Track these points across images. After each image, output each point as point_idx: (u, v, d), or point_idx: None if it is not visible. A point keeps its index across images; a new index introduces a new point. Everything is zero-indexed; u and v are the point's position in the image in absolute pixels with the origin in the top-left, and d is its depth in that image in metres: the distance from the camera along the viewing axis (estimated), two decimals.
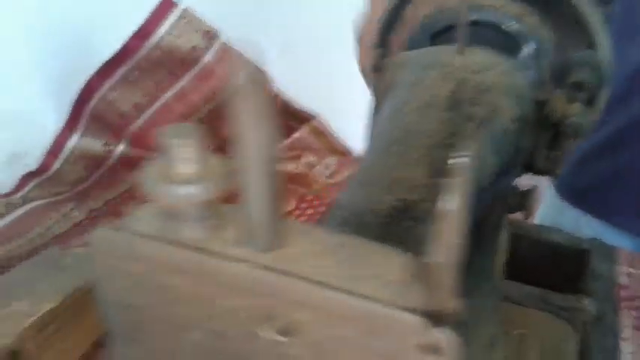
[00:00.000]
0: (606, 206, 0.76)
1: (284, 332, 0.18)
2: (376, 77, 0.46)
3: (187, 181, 0.18)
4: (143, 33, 0.82)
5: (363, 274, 0.18)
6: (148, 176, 0.19)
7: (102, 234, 0.20)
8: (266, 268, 0.18)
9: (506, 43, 0.43)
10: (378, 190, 0.30)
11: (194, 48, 0.85)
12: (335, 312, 0.18)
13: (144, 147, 0.84)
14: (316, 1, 0.93)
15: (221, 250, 0.19)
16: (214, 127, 0.84)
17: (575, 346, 0.49)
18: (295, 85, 0.87)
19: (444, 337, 0.16)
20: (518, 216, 0.47)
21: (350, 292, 0.17)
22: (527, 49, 0.43)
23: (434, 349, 0.17)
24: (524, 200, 0.46)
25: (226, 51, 0.86)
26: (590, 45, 0.42)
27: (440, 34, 0.44)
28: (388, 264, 0.19)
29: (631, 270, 0.65)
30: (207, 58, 0.87)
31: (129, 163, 0.82)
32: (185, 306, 0.20)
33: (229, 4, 0.86)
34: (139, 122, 0.88)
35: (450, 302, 0.17)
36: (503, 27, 0.43)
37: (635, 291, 0.63)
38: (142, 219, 0.20)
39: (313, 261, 0.19)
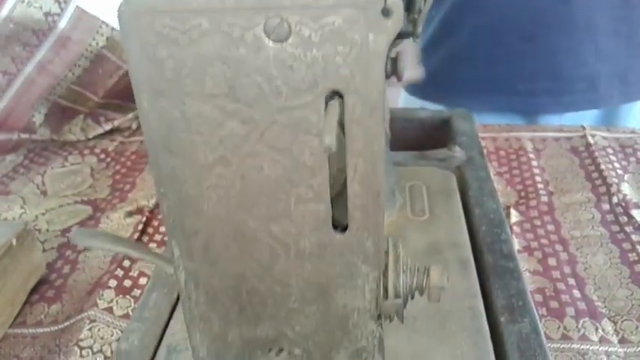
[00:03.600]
0: (445, 90, 0.87)
1: None
2: None
3: None
4: None
5: None
6: None
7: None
8: None
9: None
10: None
11: (48, 14, 0.84)
12: None
13: (7, 130, 0.82)
14: None
15: None
16: (86, 93, 0.85)
17: (455, 182, 0.59)
18: None
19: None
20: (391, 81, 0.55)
21: None
22: None
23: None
24: (394, 66, 0.54)
25: (81, 16, 0.86)
26: None
27: None
28: None
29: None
30: (62, 24, 0.86)
31: None
32: None
33: None
34: (2, 104, 0.85)
35: None
36: None
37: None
38: None
39: None
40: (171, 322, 0.46)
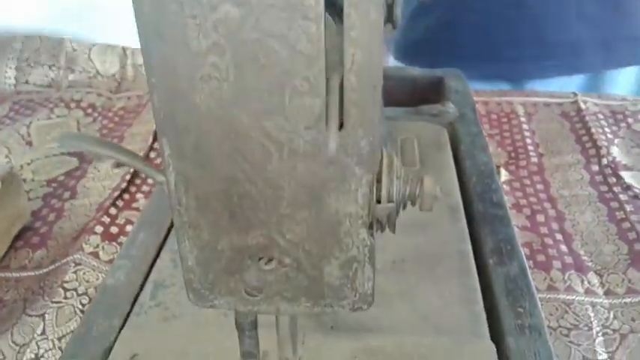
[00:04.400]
0: (432, 57, 0.87)
1: None
2: None
3: None
4: None
5: None
6: None
7: None
8: None
9: None
10: None
11: None
12: None
13: None
14: None
15: None
16: None
17: (447, 136, 0.59)
18: None
19: None
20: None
21: None
22: None
23: None
24: (390, 13, 0.53)
25: None
26: None
27: None
28: None
29: None
30: None
31: None
32: None
33: None
34: None
35: None
36: None
37: None
38: None
39: None
40: (158, 260, 0.45)
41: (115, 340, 0.38)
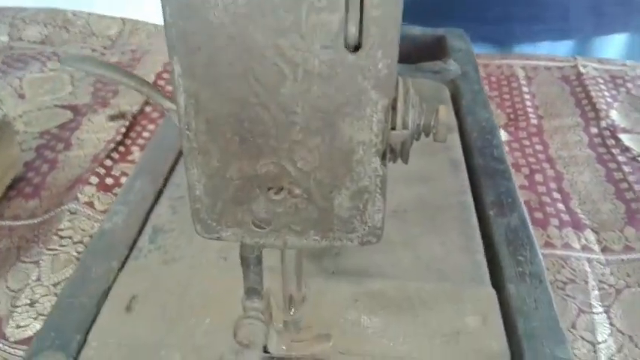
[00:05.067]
0: (415, 19, 0.85)
1: None
2: None
3: None
4: None
5: None
6: None
7: None
8: None
9: None
10: None
11: None
12: None
13: None
14: None
15: None
16: None
17: (448, 93, 0.58)
18: None
19: None
20: None
21: None
22: None
23: None
24: None
25: None
26: None
27: None
28: None
29: None
30: None
31: None
32: None
33: None
34: None
35: None
36: None
37: None
38: None
39: None
40: (156, 206, 0.45)
41: (113, 282, 0.38)
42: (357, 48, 0.22)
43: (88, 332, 0.34)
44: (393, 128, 0.24)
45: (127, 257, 0.40)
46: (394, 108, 0.24)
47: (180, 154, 0.50)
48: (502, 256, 0.39)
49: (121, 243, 0.41)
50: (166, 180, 0.47)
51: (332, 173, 0.25)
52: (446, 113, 0.25)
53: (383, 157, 0.25)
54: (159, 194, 0.46)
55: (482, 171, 0.47)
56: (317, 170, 0.25)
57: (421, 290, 0.37)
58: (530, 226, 0.42)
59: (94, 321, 0.35)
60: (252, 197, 0.26)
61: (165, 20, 0.22)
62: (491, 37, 0.87)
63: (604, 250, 0.51)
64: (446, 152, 0.49)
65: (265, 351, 0.31)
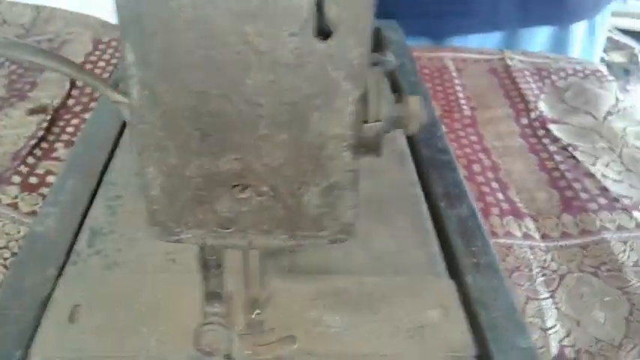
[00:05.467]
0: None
1: None
2: None
3: None
4: None
5: None
6: None
7: None
8: None
9: None
10: None
11: None
12: None
13: None
14: None
15: None
16: None
17: (388, 81, 0.58)
18: None
19: None
20: None
21: None
22: None
23: None
24: None
25: None
26: None
27: None
28: None
29: None
30: None
31: None
32: None
33: None
34: None
35: None
36: None
37: None
38: None
39: None
40: (92, 208, 0.41)
41: (52, 291, 0.35)
42: (327, 36, 0.21)
43: (28, 347, 0.31)
44: (365, 121, 0.23)
45: (64, 263, 0.37)
46: (365, 99, 0.23)
47: (112, 150, 0.47)
48: (456, 248, 0.39)
49: (56, 247, 0.37)
50: (100, 179, 0.44)
51: (300, 169, 0.24)
52: (417, 104, 0.24)
53: (354, 151, 0.23)
54: (93, 194, 0.43)
55: (428, 162, 0.47)
56: (284, 166, 0.24)
57: (380, 285, 0.36)
58: (480, 217, 0.43)
59: (33, 334, 0.31)
60: (214, 196, 0.24)
61: (116, 4, 0.20)
62: (427, 31, 0.88)
63: (543, 237, 0.52)
64: (391, 145, 0.49)
65: (228, 357, 0.29)
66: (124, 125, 0.49)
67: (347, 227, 0.26)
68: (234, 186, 0.24)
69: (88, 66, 0.70)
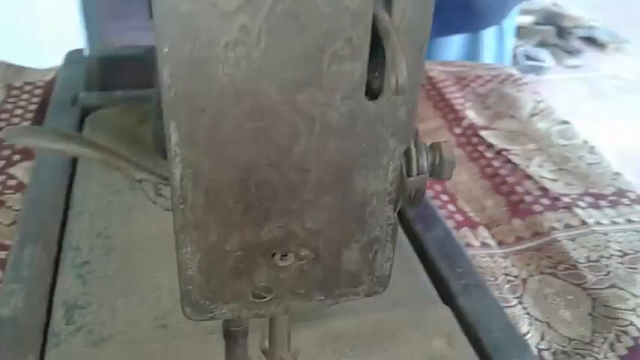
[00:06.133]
0: None
1: None
2: None
3: None
4: None
5: None
6: None
7: None
8: None
9: None
10: None
11: None
12: None
13: None
14: None
15: None
16: None
17: None
18: None
19: None
20: None
21: None
22: None
23: None
24: None
25: None
26: None
27: None
28: None
29: None
30: None
31: None
32: None
33: None
34: None
35: None
36: None
37: None
38: None
39: None
40: (59, 279, 0.38)
41: None
42: (375, 96, 0.20)
43: None
44: (409, 175, 0.23)
45: (42, 347, 0.33)
46: (407, 154, 0.23)
47: (66, 211, 0.44)
48: (443, 272, 0.40)
49: (30, 330, 0.34)
50: (59, 244, 0.41)
51: (343, 229, 0.23)
52: (449, 150, 0.24)
53: (396, 202, 0.23)
54: (56, 262, 0.39)
55: None
56: (327, 229, 0.23)
57: (381, 321, 0.36)
58: (454, 235, 0.44)
59: None
60: (253, 267, 0.23)
61: (162, 83, 0.18)
62: None
63: (500, 243, 0.55)
64: None
65: None
66: (70, 182, 0.46)
67: (384, 280, 0.25)
68: (274, 254, 0.23)
69: (4, 115, 0.64)
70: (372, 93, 0.20)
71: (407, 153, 0.23)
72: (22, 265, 0.38)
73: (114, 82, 0.63)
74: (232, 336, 0.26)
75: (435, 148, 0.24)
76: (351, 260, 0.24)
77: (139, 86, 0.61)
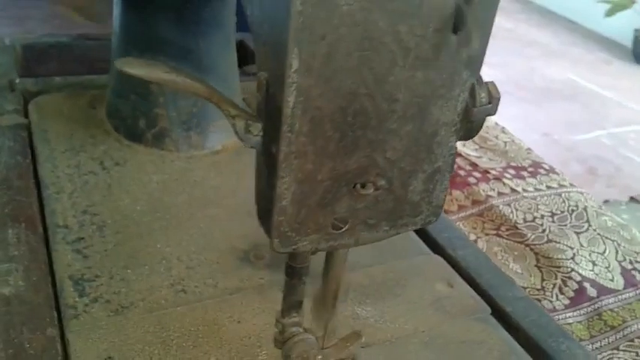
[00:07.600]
0: None
1: None
2: None
3: None
4: None
5: None
6: None
7: None
8: None
9: None
10: None
11: None
12: None
13: None
14: None
15: None
16: None
17: None
18: None
19: None
20: None
21: None
22: None
23: None
24: None
25: None
26: None
27: None
28: None
29: None
30: None
31: None
32: None
33: None
34: None
35: None
36: None
37: None
38: None
39: None
40: (55, 255, 0.36)
41: (64, 351, 0.30)
42: (457, 32, 0.23)
43: None
44: (474, 106, 0.25)
45: (59, 320, 0.32)
46: (473, 87, 0.25)
47: (38, 190, 0.41)
48: (427, 228, 0.43)
49: (40, 305, 0.32)
50: (44, 223, 0.39)
51: (414, 159, 0.25)
52: (496, 88, 0.27)
53: (457, 135, 0.26)
54: (46, 240, 0.37)
55: None
56: (402, 158, 0.25)
57: (386, 273, 0.38)
58: None
59: None
60: (337, 197, 0.24)
61: (293, 9, 0.20)
62: None
63: (446, 212, 0.59)
64: None
65: None
66: (34, 166, 0.43)
67: (438, 209, 0.27)
68: (356, 184, 0.24)
69: None
70: (455, 30, 0.23)
71: (471, 87, 0.25)
72: (10, 245, 0.36)
73: (43, 69, 0.60)
74: (297, 273, 0.27)
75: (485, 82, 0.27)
76: (415, 190, 0.26)
77: (72, 73, 0.59)
